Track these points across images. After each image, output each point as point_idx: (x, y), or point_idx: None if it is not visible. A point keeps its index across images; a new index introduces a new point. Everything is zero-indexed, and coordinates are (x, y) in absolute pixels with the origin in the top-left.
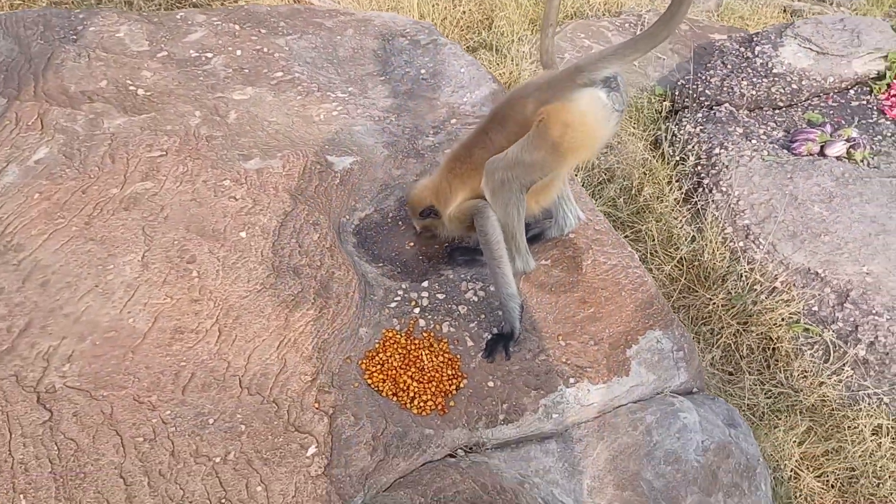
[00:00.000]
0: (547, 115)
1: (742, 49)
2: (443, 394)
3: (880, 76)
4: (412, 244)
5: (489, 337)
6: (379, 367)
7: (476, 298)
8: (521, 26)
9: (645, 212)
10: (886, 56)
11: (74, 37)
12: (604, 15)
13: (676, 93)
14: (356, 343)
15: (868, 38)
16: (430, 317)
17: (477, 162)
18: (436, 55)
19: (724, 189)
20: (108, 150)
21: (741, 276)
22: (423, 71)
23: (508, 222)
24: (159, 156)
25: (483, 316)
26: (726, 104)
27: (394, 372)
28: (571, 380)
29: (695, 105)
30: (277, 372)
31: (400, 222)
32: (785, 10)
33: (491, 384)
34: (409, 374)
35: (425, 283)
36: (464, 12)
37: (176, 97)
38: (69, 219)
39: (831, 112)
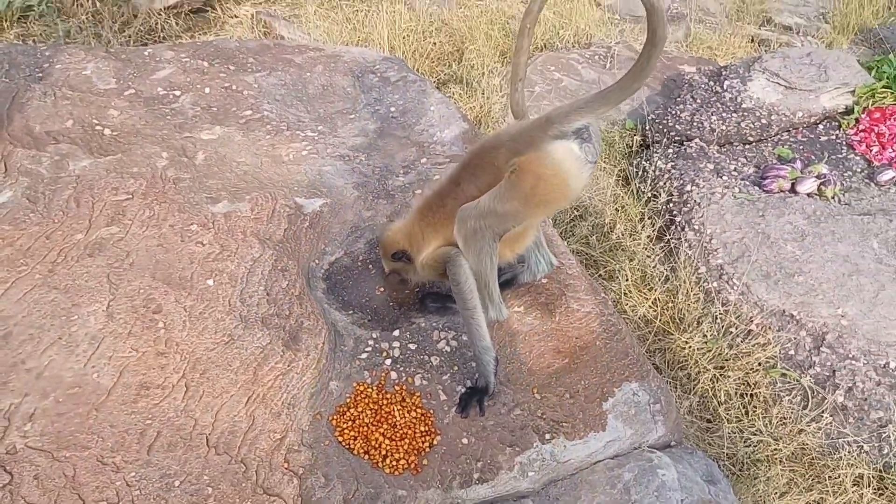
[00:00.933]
0: (519, 167)
1: (711, 83)
2: (416, 451)
3: (848, 111)
4: (382, 289)
5: (463, 391)
6: (350, 423)
7: (448, 349)
8: (491, 58)
9: (617, 249)
10: (854, 91)
11: (40, 74)
12: (573, 47)
13: (647, 127)
14: (327, 398)
15: (835, 73)
16: (401, 368)
17: (449, 211)
18: (405, 92)
19: (696, 227)
20: (73, 193)
21: (716, 318)
22: (392, 108)
23: (481, 271)
24: (125, 199)
25: (456, 367)
26: (696, 139)
27: (365, 429)
28: (547, 436)
29: (665, 140)
30: (246, 430)
31: (370, 265)
32: (752, 40)
33: (465, 441)
34: (381, 430)
35: (396, 332)
36: (434, 44)
37: (143, 137)
38: (32, 266)
39: (801, 147)
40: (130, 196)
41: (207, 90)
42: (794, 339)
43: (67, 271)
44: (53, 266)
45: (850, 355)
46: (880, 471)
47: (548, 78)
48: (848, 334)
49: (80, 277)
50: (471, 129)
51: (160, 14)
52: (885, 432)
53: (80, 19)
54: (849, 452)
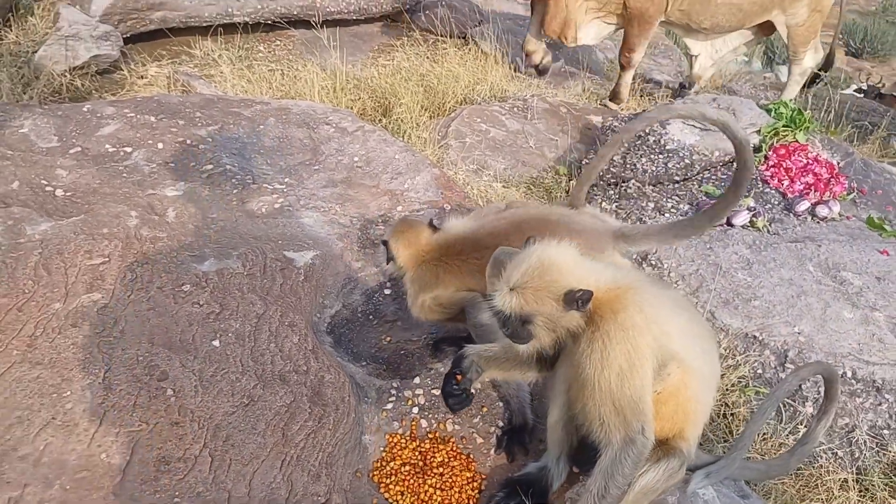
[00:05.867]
0: None
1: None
2: (467, 500)
3: (756, 149)
4: (388, 338)
5: (499, 433)
6: (392, 477)
7: (473, 391)
8: (417, 113)
9: None
10: (759, 130)
11: None
12: (492, 100)
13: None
14: (362, 453)
15: (743, 115)
16: (430, 415)
17: (485, 265)
18: (365, 142)
19: (653, 262)
20: (39, 259)
21: None
22: (356, 159)
23: None
24: (102, 263)
25: (485, 409)
26: (632, 180)
27: (411, 481)
28: None
29: (602, 182)
30: (286, 496)
31: (371, 316)
32: (642, 93)
33: None
34: (430, 483)
35: (417, 380)
36: (354, 100)
37: (102, 196)
38: (6, 342)
39: (722, 184)
40: (107, 259)
41: (160, 146)
42: (760, 358)
43: (50, 344)
44: (32, 340)
45: None
46: (857, 474)
47: (476, 129)
48: (807, 349)
49: (65, 350)
50: (442, 174)
51: (64, 75)
52: (853, 437)
53: None
54: (826, 460)
